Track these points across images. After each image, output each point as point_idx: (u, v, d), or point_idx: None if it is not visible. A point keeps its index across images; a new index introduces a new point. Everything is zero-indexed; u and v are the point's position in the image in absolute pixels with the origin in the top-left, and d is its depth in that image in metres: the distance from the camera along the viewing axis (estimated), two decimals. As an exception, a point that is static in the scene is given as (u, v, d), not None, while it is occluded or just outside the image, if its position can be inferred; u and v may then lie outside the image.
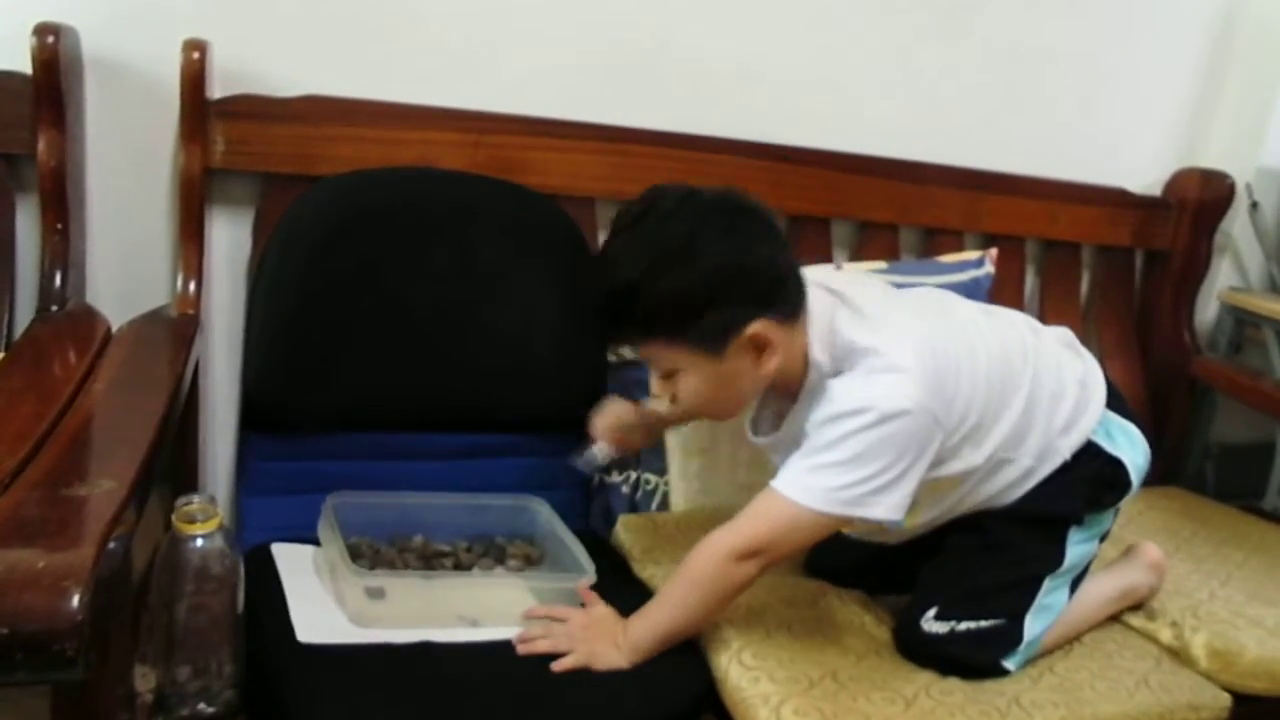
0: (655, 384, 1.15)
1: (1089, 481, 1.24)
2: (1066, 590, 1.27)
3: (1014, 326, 1.27)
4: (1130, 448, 1.27)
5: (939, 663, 1.19)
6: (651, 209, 1.09)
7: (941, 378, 1.12)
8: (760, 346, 1.10)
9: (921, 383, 1.09)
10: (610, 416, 1.33)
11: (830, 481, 1.08)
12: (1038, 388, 1.21)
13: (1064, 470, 1.22)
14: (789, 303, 1.12)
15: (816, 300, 1.15)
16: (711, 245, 1.06)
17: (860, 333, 1.12)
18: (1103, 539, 1.30)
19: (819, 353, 1.13)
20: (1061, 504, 1.23)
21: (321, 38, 1.43)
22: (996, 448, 1.18)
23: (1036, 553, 1.24)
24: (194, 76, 1.31)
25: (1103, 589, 1.36)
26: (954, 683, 1.17)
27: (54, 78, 1.24)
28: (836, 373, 1.12)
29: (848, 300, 1.16)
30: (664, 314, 1.07)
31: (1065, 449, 1.22)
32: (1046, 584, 1.24)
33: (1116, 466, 1.26)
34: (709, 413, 1.24)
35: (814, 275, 1.19)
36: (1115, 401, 1.29)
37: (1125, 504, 1.30)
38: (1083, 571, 1.29)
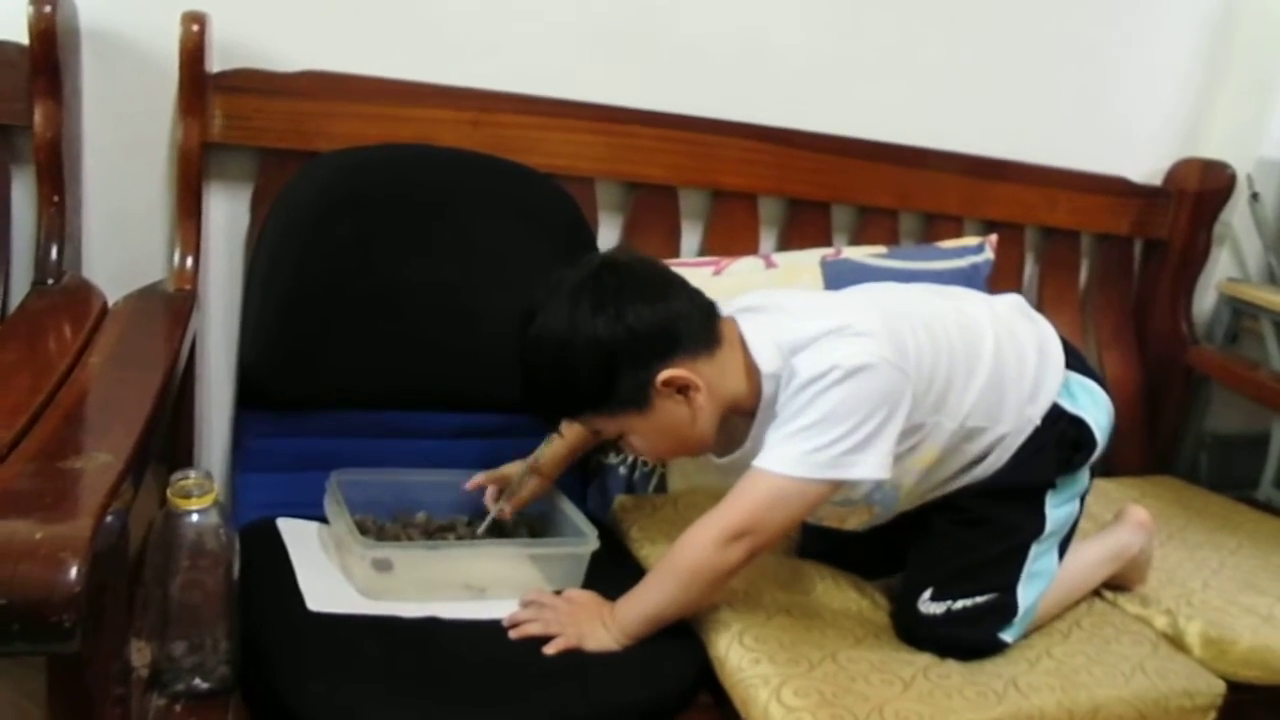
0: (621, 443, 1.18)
1: (1055, 444, 1.24)
2: (1054, 554, 1.28)
3: (967, 299, 1.28)
4: (1092, 405, 1.27)
5: (938, 644, 1.20)
6: (527, 318, 1.11)
7: (901, 339, 1.13)
8: (680, 388, 1.10)
9: (882, 341, 1.10)
10: (497, 484, 1.32)
11: (805, 445, 1.07)
12: (1002, 355, 1.21)
13: (1032, 436, 1.22)
14: (694, 339, 1.11)
15: (751, 324, 1.15)
16: (588, 326, 1.07)
17: (808, 327, 1.12)
18: (1083, 498, 1.31)
19: (771, 366, 1.12)
20: (1033, 472, 1.24)
21: (322, 13, 1.42)
22: (967, 415, 1.18)
23: (1018, 523, 1.25)
24: (193, 49, 1.30)
25: (1093, 553, 1.37)
26: (952, 665, 1.18)
27: (50, 48, 1.23)
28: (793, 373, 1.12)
29: (785, 310, 1.17)
30: (581, 402, 1.12)
31: (1036, 415, 1.22)
32: (1033, 551, 1.24)
33: (1080, 426, 1.26)
34: (678, 455, 1.27)
35: (745, 301, 1.21)
36: (1073, 359, 1.29)
37: (1096, 459, 1.29)
38: (1069, 533, 1.30)
